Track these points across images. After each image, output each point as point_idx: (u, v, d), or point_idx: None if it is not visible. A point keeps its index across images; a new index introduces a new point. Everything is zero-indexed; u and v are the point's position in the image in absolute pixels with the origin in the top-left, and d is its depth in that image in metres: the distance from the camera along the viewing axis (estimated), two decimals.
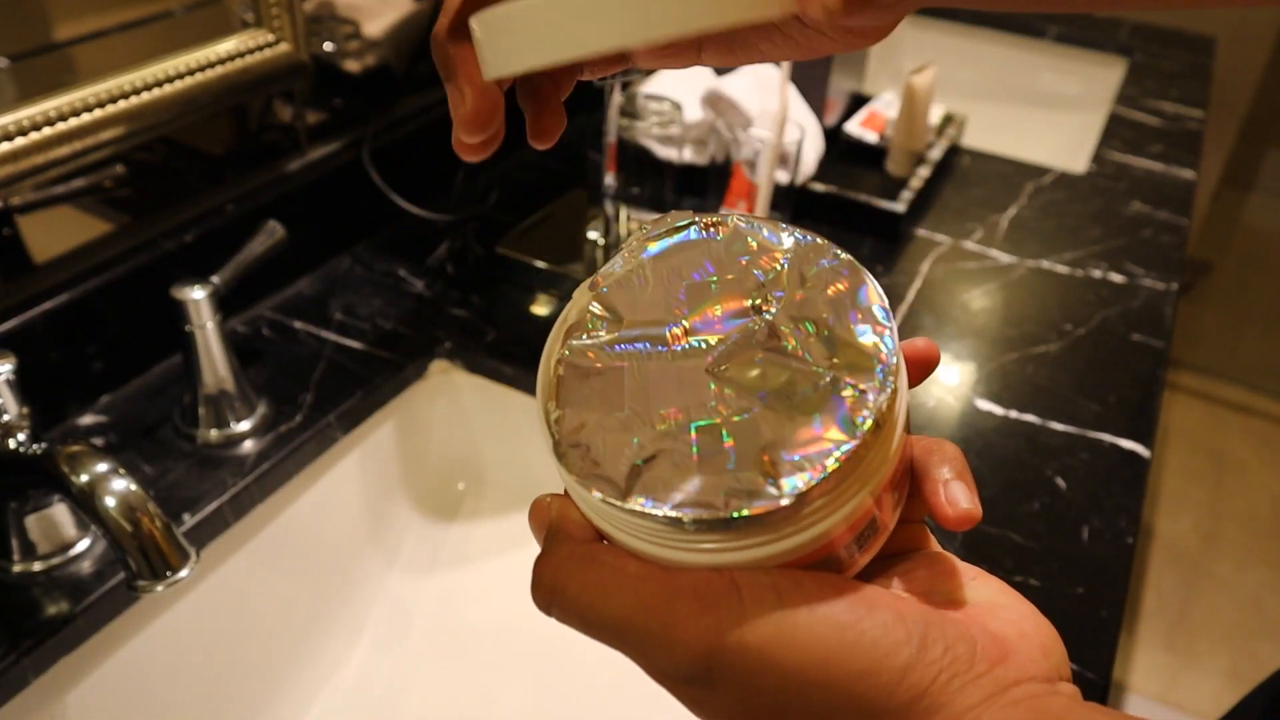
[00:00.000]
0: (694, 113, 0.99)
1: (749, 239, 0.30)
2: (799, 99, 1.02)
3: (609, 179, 0.85)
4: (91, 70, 0.65)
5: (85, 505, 0.50)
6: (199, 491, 0.64)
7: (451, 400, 0.81)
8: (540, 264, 0.85)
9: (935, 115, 1.13)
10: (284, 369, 0.75)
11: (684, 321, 0.29)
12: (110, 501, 0.50)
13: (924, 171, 1.04)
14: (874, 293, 0.29)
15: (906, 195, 1.00)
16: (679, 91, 1.01)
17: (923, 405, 0.78)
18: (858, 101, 1.18)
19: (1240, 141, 2.08)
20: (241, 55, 0.73)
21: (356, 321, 0.80)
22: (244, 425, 0.68)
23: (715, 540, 0.25)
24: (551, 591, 0.27)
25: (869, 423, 0.26)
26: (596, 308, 0.30)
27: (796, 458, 0.26)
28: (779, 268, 0.30)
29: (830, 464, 0.25)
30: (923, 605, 0.26)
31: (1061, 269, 0.96)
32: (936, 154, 1.08)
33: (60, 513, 0.59)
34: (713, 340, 0.28)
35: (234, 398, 0.67)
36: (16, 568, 0.58)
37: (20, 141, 0.61)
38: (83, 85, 0.64)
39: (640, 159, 1.02)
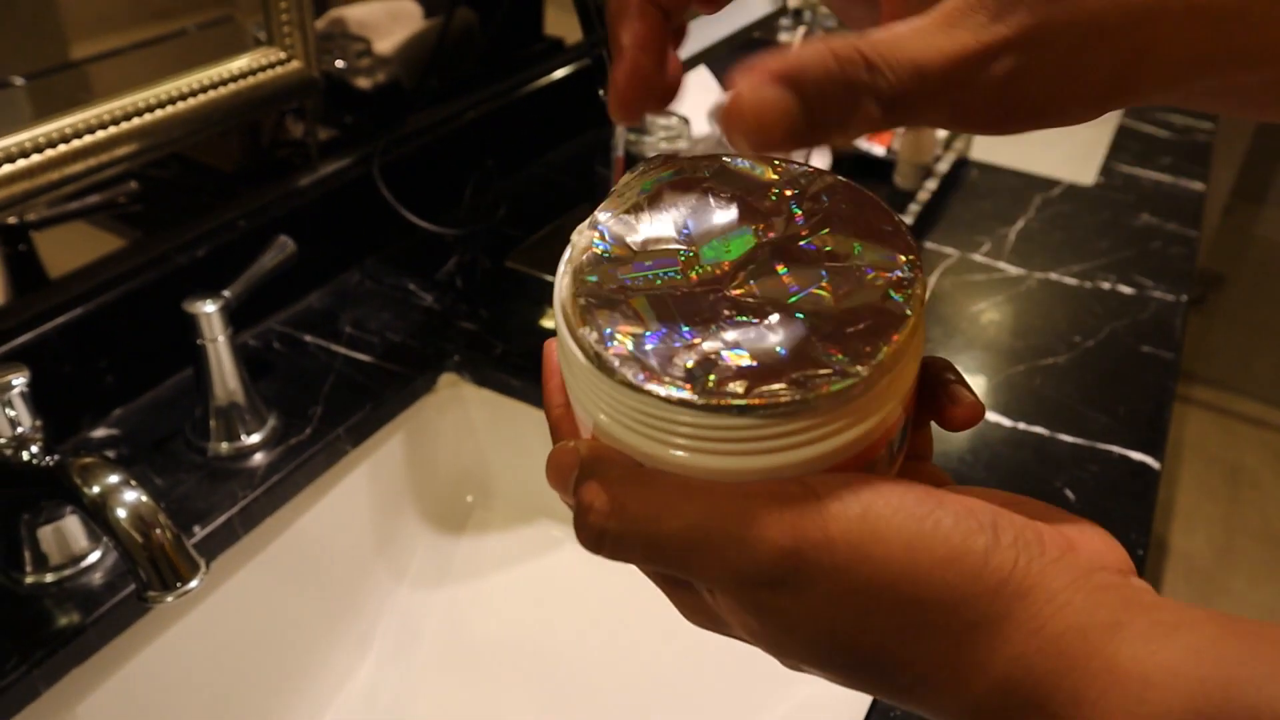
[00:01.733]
0: (701, 127, 1.00)
1: (740, 173, 0.30)
2: None
3: None
4: (106, 88, 0.66)
5: (97, 516, 0.51)
6: (209, 504, 0.64)
7: (460, 413, 0.81)
8: (549, 278, 0.86)
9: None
10: (294, 382, 0.75)
11: (695, 248, 0.28)
12: (121, 513, 0.50)
13: (931, 184, 1.05)
14: (879, 205, 0.28)
15: (914, 208, 1.00)
16: (686, 106, 1.02)
17: None
18: None
19: (1251, 154, 2.08)
20: (254, 73, 0.74)
21: (366, 335, 0.81)
22: (254, 438, 0.68)
23: (786, 431, 0.24)
24: (607, 514, 0.25)
25: (915, 299, 0.26)
26: (603, 244, 0.28)
27: (853, 337, 0.25)
28: (777, 193, 0.29)
29: (895, 335, 0.25)
30: (983, 500, 0.25)
31: (1070, 281, 0.96)
32: (944, 167, 1.08)
33: (72, 524, 0.59)
34: (729, 261, 0.28)
35: (244, 411, 0.68)
36: (29, 579, 0.58)
37: (36, 158, 0.62)
38: (97, 103, 0.65)
39: None
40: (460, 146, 0.97)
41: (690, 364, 0.25)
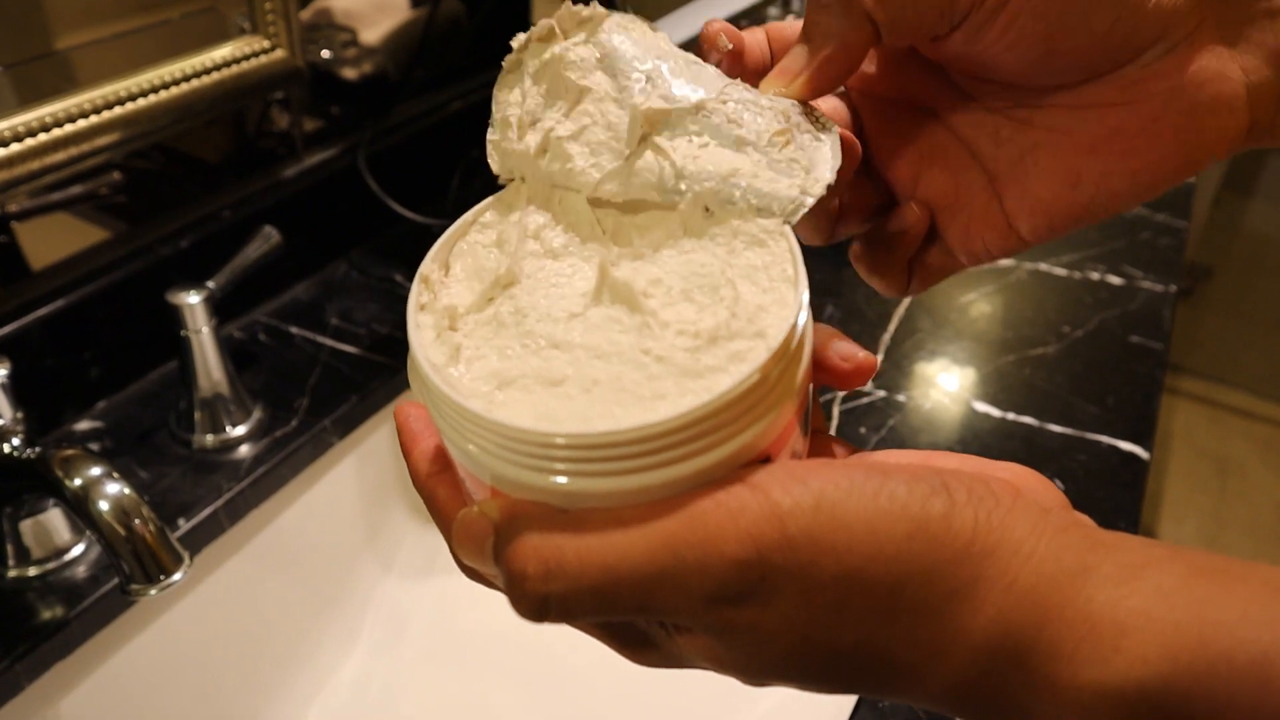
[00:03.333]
0: None
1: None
2: None
3: None
4: (88, 77, 0.65)
5: (79, 509, 0.50)
6: (194, 496, 0.64)
7: None
8: None
9: None
10: (280, 374, 0.75)
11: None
12: (104, 505, 0.50)
13: None
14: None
15: None
16: None
17: (919, 407, 0.78)
18: None
19: None
20: (237, 61, 0.74)
21: (352, 326, 0.80)
22: (239, 430, 0.68)
23: (707, 430, 0.22)
24: (545, 576, 0.22)
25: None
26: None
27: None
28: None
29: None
30: (920, 463, 0.24)
31: (1059, 271, 0.96)
32: None
33: (55, 517, 0.58)
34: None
35: (229, 402, 0.67)
36: (11, 573, 0.58)
37: (16, 147, 0.61)
38: (79, 91, 0.64)
39: None
40: (447, 137, 0.97)
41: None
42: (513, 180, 0.30)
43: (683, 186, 0.27)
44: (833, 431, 0.75)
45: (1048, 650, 0.22)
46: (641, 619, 0.24)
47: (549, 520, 0.23)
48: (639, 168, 0.28)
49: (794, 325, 0.24)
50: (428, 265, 0.28)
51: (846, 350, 0.27)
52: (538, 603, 0.22)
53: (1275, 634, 0.20)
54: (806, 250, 0.28)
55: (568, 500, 0.23)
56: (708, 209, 0.27)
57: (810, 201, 0.27)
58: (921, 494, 0.23)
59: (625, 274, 0.26)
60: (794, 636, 0.23)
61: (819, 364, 0.27)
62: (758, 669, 0.24)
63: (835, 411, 0.77)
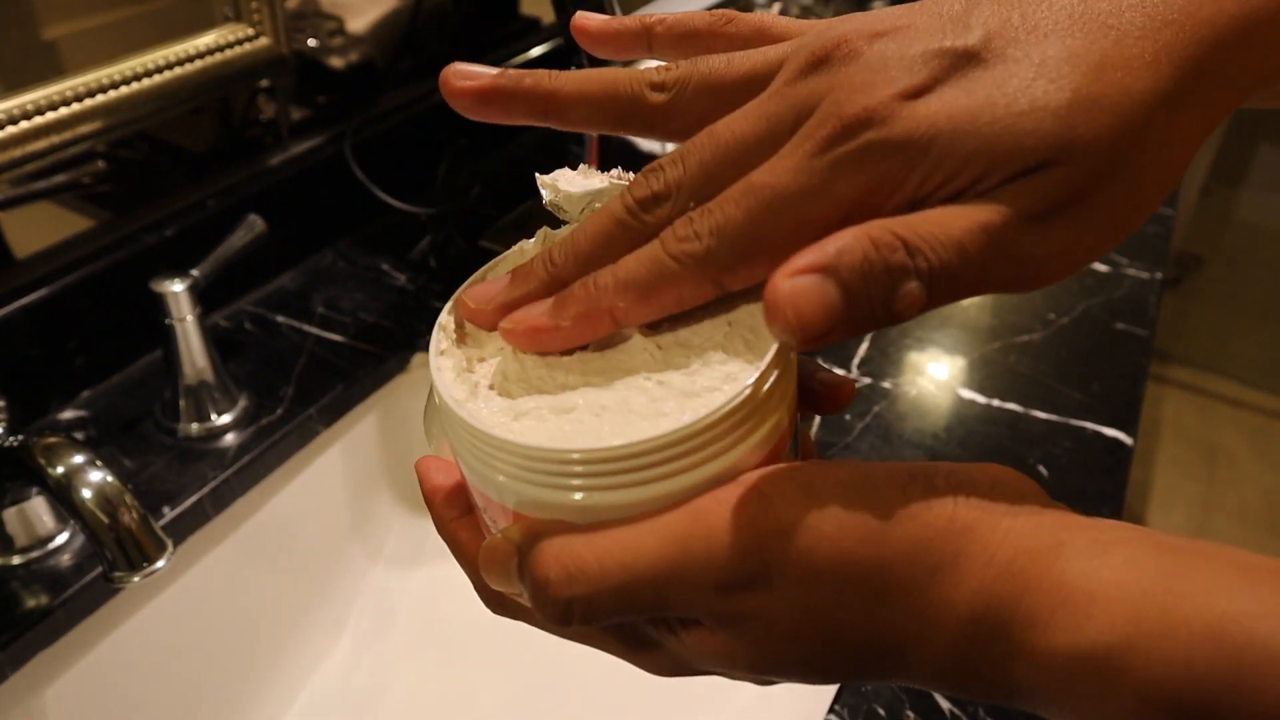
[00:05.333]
0: None
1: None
2: None
3: None
4: (70, 64, 0.65)
5: (62, 497, 0.50)
6: (179, 485, 0.64)
7: None
8: None
9: None
10: (265, 362, 0.74)
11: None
12: (86, 493, 0.50)
13: None
14: None
15: None
16: None
17: (905, 394, 0.78)
18: None
19: (1230, 136, 2.09)
20: (221, 49, 0.73)
21: (338, 315, 0.80)
22: (225, 418, 0.68)
23: (708, 442, 0.25)
24: (567, 581, 0.24)
25: None
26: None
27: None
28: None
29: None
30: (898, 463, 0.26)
31: None
32: None
33: (38, 506, 0.58)
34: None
35: (214, 390, 0.67)
36: None
37: None
38: (61, 79, 0.64)
39: (623, 151, 1.02)
40: (433, 126, 0.96)
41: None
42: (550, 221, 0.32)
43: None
44: (819, 417, 0.76)
45: (1026, 619, 0.23)
46: (658, 615, 0.26)
47: (564, 533, 0.25)
48: None
49: (779, 348, 0.26)
50: (445, 315, 0.30)
51: (827, 378, 0.30)
52: (562, 607, 0.24)
53: (1231, 601, 0.22)
54: None
55: (585, 515, 0.25)
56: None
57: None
58: (901, 480, 0.25)
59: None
60: (796, 619, 0.24)
61: (802, 392, 0.29)
62: (765, 660, 0.26)
63: None
